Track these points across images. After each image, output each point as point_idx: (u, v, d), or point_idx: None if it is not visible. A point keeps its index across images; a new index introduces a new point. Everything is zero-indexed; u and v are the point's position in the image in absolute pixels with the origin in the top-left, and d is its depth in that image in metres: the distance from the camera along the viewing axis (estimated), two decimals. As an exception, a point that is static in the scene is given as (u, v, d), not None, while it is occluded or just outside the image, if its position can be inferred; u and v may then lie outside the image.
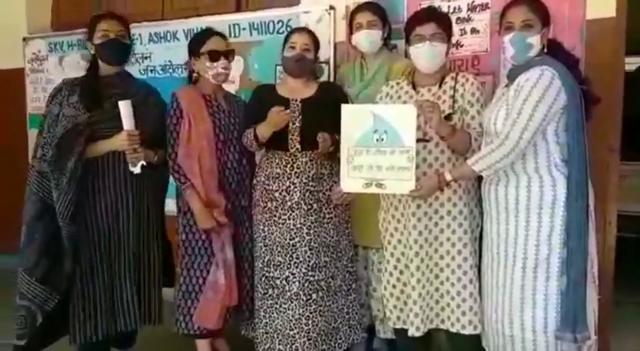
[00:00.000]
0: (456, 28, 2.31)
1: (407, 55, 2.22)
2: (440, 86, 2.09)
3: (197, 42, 2.30)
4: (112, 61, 2.19)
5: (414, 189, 1.92)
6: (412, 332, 2.08)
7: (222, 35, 2.33)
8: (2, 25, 3.96)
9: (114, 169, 2.14)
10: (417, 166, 1.96)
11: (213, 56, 2.23)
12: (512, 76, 1.92)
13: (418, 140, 1.97)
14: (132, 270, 2.19)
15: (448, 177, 1.90)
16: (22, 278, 2.10)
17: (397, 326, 2.19)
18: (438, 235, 2.06)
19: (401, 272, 2.14)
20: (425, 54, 2.03)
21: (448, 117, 2.01)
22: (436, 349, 2.35)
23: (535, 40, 1.85)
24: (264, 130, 2.18)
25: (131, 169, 2.11)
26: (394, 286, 2.17)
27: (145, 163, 2.12)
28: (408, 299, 2.09)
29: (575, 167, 1.79)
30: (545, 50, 1.89)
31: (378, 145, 1.95)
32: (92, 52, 2.20)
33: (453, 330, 2.06)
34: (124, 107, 2.07)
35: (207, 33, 2.31)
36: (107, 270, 2.13)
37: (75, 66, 3.54)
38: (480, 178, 2.03)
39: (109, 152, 2.12)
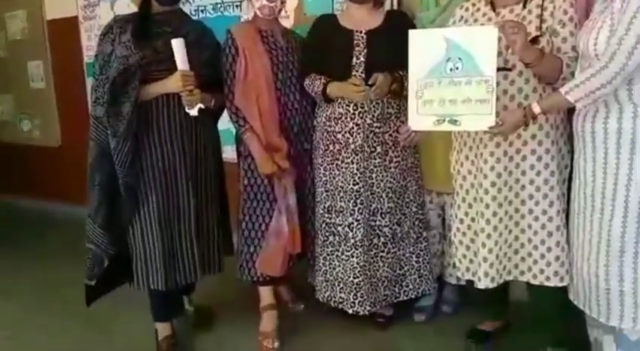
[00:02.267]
0: None
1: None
2: (524, 5, 1.80)
3: None
4: (164, 1, 2.05)
5: (494, 125, 1.68)
6: (482, 284, 1.90)
7: None
8: (53, -27, 3.92)
9: (168, 113, 2.04)
10: (498, 99, 1.70)
11: None
12: (617, -16, 1.59)
13: (499, 69, 1.70)
14: (191, 219, 2.12)
15: (536, 109, 1.64)
16: (88, 223, 2.11)
17: (465, 277, 2.02)
18: (520, 178, 1.83)
19: (472, 219, 1.95)
20: None
21: (535, 40, 1.72)
22: (513, 301, 2.17)
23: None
24: (335, 92, 2.04)
25: (188, 111, 2.00)
26: (464, 234, 1.98)
27: (202, 106, 2.01)
28: (482, 248, 1.88)
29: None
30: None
31: (452, 75, 1.71)
32: None
33: (536, 282, 1.86)
34: (177, 46, 1.94)
35: None
36: (165, 219, 2.07)
37: (126, 10, 3.44)
38: (569, 112, 1.76)
39: (162, 95, 2.01)
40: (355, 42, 2.07)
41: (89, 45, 3.82)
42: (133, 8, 3.37)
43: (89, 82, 3.83)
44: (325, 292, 2.23)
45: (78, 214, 3.79)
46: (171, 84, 1.98)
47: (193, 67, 1.99)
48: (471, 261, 1.98)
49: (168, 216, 2.07)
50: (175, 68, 1.96)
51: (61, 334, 2.42)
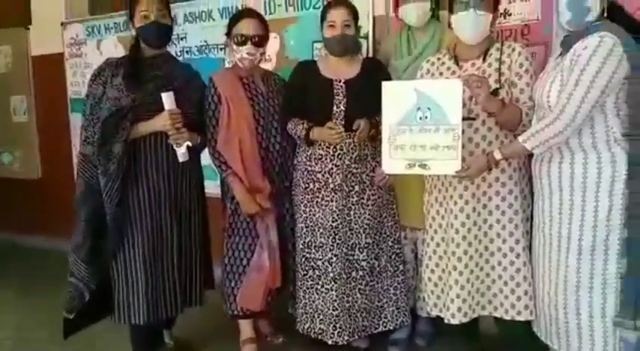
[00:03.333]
0: (504, -4, 2.17)
1: (450, 25, 2.09)
2: (484, 59, 1.97)
3: (230, 23, 2.26)
4: (153, 44, 2.16)
5: (461, 169, 1.82)
6: (456, 320, 2.00)
7: (258, 17, 2.26)
8: (41, 10, 4.02)
9: (155, 150, 2.13)
10: (463, 146, 1.85)
11: (239, 40, 2.19)
12: (567, 44, 1.77)
13: (464, 119, 1.86)
14: (174, 254, 2.19)
15: (498, 156, 1.80)
16: (70, 256, 2.15)
17: (433, 312, 2.13)
18: (487, 218, 1.97)
19: (440, 258, 2.07)
20: (469, 22, 1.90)
21: (495, 92, 1.89)
22: (483, 333, 2.28)
23: (594, 3, 1.69)
24: (316, 136, 2.16)
25: (175, 148, 2.08)
26: (432, 271, 2.11)
27: (190, 144, 2.09)
28: (455, 285, 1.99)
29: (638, 141, 1.65)
30: (606, 14, 1.73)
31: (422, 123, 1.86)
32: (133, 33, 2.17)
33: (508, 317, 1.97)
34: (166, 99, 2.04)
35: (240, 14, 2.28)
36: (149, 254, 2.13)
37: (112, 49, 3.57)
38: (530, 156, 1.92)
39: (150, 134, 2.10)
40: (335, 91, 2.19)
41: (74, 81, 3.90)
42: (119, 47, 3.54)
43: (72, 117, 3.93)
44: (305, 324, 2.29)
45: (56, 246, 3.81)
46: (160, 122, 2.06)
47: (181, 107, 2.08)
48: (438, 297, 2.09)
49: (153, 251, 2.13)
50: (163, 109, 2.05)
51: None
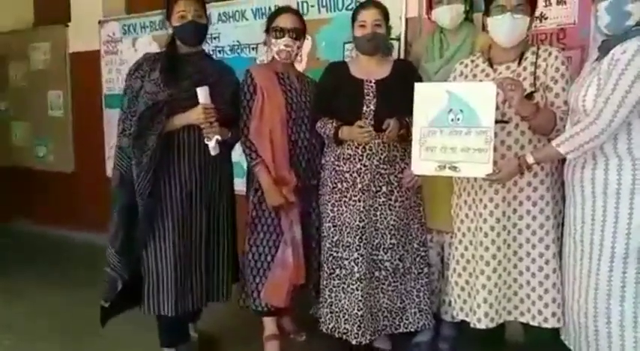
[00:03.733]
0: (540, -1, 2.15)
1: (484, 27, 2.08)
2: (519, 63, 1.95)
3: (270, 18, 2.34)
4: (189, 42, 2.21)
5: (492, 172, 1.81)
6: (483, 324, 1.98)
7: (296, 13, 2.35)
8: (79, 8, 4.15)
9: (188, 143, 2.17)
10: (495, 149, 1.84)
11: (277, 32, 2.26)
12: (605, 48, 1.75)
13: (497, 121, 1.85)
14: (202, 248, 2.23)
15: (530, 160, 1.78)
16: (108, 248, 2.21)
17: (459, 317, 2.11)
18: (517, 222, 1.95)
19: (467, 261, 2.06)
20: (505, 26, 1.90)
21: (530, 96, 1.87)
22: (509, 340, 2.25)
23: (635, 8, 1.67)
24: (345, 135, 2.17)
25: (206, 142, 2.12)
26: (460, 275, 2.09)
27: (219, 139, 2.13)
28: (482, 290, 1.97)
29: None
30: (646, 20, 1.71)
31: (453, 125, 1.85)
32: (170, 31, 2.23)
33: (534, 323, 1.95)
34: (201, 93, 2.09)
35: (280, 10, 2.35)
36: (179, 247, 2.16)
37: (147, 47, 3.65)
38: (562, 161, 1.89)
39: (184, 127, 2.14)
40: (365, 91, 2.21)
41: (109, 78, 4.01)
42: (154, 45, 3.62)
43: (106, 112, 4.03)
44: (330, 324, 2.30)
45: (89, 239, 3.92)
46: (194, 116, 2.10)
47: (215, 102, 2.12)
48: (465, 301, 2.07)
49: (183, 243, 2.17)
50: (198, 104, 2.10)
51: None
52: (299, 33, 2.29)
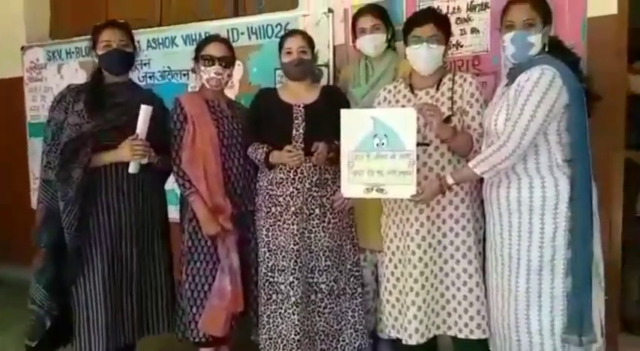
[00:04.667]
0: (455, 29, 2.31)
1: (405, 56, 2.20)
2: (438, 88, 2.07)
3: (199, 46, 2.34)
4: (114, 71, 2.19)
5: (416, 193, 1.90)
6: (414, 340, 2.04)
7: (225, 42, 2.36)
8: (1, 33, 3.96)
9: (116, 174, 2.13)
10: (418, 170, 1.94)
11: (207, 61, 2.27)
12: (512, 75, 1.90)
13: (418, 144, 1.94)
14: (133, 280, 2.18)
15: (450, 180, 1.88)
16: (32, 283, 2.12)
17: (392, 334, 2.17)
18: (441, 239, 2.04)
19: (397, 279, 2.13)
20: (422, 55, 2.01)
21: (447, 119, 1.99)
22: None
23: (536, 39, 1.83)
24: (275, 159, 2.20)
25: (131, 161, 2.08)
26: (390, 293, 2.15)
27: (144, 162, 2.10)
28: (412, 306, 2.04)
29: (578, 167, 1.78)
30: (547, 49, 1.87)
31: (379, 149, 1.93)
32: (96, 60, 2.20)
33: (462, 335, 2.03)
34: (144, 112, 2.07)
35: (209, 38, 2.36)
36: (109, 281, 2.11)
37: (73, 74, 3.55)
38: (481, 180, 2.00)
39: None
40: (294, 115, 2.26)
41: (33, 105, 3.84)
42: (81, 72, 3.53)
43: (31, 142, 3.86)
44: (269, 350, 2.28)
45: (9, 273, 3.69)
46: (122, 153, 2.08)
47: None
48: (396, 318, 2.13)
49: (113, 277, 2.11)
50: (124, 137, 2.07)
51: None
52: (228, 61, 2.31)
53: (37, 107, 3.83)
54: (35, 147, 3.75)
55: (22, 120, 3.91)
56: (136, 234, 2.18)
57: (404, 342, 2.07)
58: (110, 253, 2.12)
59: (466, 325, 2.02)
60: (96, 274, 2.09)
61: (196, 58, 2.32)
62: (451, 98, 2.03)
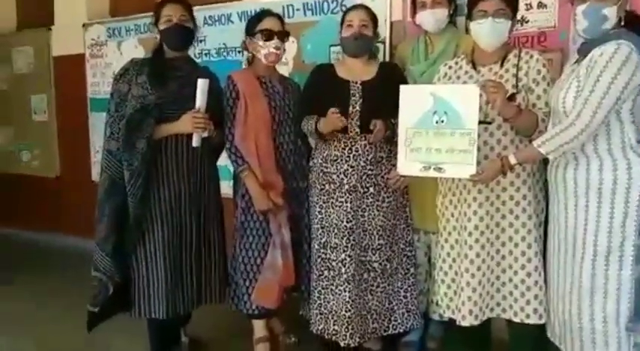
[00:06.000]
0: (521, 3, 2.18)
1: (467, 31, 2.12)
2: (502, 65, 1.99)
3: (253, 21, 2.33)
4: (175, 46, 2.23)
5: (475, 173, 1.85)
6: (467, 322, 2.01)
7: (278, 17, 2.34)
8: (63, 12, 4.11)
9: (176, 152, 2.19)
10: (479, 149, 1.88)
11: (266, 35, 2.25)
12: (583, 51, 1.79)
13: (480, 122, 1.88)
14: (193, 250, 2.24)
15: (512, 160, 1.81)
16: (95, 251, 2.21)
17: (446, 315, 2.14)
18: (500, 221, 1.98)
19: (454, 260, 2.09)
20: (487, 30, 1.93)
21: (512, 97, 1.90)
22: (495, 338, 2.29)
23: (611, 12, 1.71)
24: (323, 127, 2.17)
25: (194, 134, 2.13)
26: (446, 273, 2.12)
27: (205, 135, 2.14)
28: (466, 287, 2.00)
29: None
30: (622, 23, 1.75)
31: (438, 126, 1.89)
32: (157, 36, 2.25)
33: (516, 319, 1.98)
34: (201, 86, 2.10)
35: (264, 13, 2.34)
36: (169, 250, 2.18)
37: (132, 51, 3.64)
38: (545, 161, 1.93)
39: (171, 136, 2.16)
40: (352, 92, 2.23)
41: (94, 81, 3.98)
42: (140, 49, 3.61)
43: (91, 116, 4.01)
44: (319, 325, 2.31)
45: (74, 244, 3.88)
46: (183, 125, 2.13)
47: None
48: (451, 299, 2.10)
49: (173, 246, 2.18)
50: (186, 109, 2.12)
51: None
52: (284, 35, 2.31)
53: (97, 83, 3.96)
54: (95, 121, 3.89)
55: (84, 95, 4.05)
56: (195, 206, 2.24)
57: (457, 323, 2.05)
58: (170, 223, 2.18)
59: (522, 309, 1.97)
60: (157, 243, 2.17)
61: (250, 32, 2.30)
62: (516, 75, 1.95)
